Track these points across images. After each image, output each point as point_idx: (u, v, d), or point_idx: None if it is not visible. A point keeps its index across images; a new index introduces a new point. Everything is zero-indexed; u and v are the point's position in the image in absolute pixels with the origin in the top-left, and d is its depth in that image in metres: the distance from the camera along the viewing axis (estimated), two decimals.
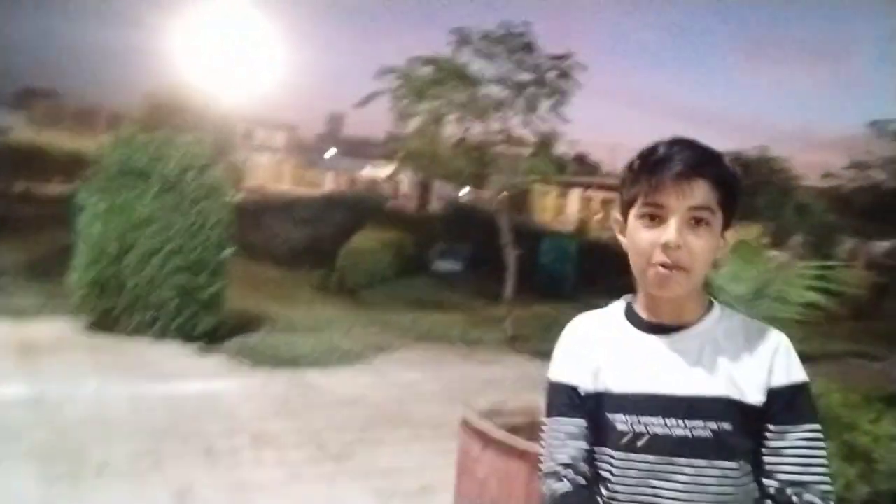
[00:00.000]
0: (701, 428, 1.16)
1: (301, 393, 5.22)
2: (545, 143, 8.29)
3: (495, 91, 7.71)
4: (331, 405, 5.00)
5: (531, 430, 3.08)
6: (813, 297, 3.29)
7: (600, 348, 1.27)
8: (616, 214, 1.28)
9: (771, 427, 1.16)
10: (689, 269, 1.15)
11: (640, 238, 1.18)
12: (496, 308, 8.02)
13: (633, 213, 1.21)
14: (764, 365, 1.18)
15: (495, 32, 7.57)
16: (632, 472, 1.20)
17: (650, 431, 1.19)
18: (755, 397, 1.16)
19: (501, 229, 7.88)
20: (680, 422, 1.17)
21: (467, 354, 6.90)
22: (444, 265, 11.88)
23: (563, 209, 29.30)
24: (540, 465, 1.30)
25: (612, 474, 1.21)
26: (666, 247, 1.14)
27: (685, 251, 1.14)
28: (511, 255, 7.82)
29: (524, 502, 2.53)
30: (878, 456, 3.67)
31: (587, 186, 28.97)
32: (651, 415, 1.19)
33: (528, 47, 7.65)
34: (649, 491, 1.18)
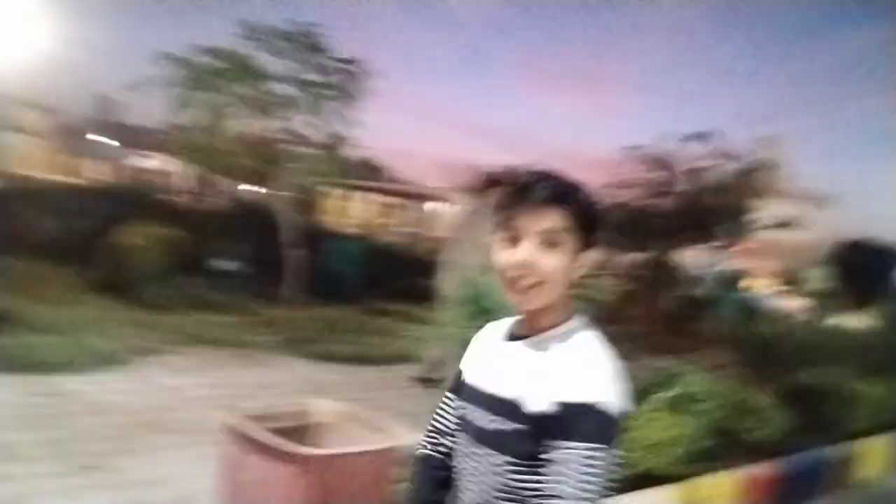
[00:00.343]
0: (498, 423, 1.30)
1: (46, 400, 4.70)
2: (331, 144, 8.24)
3: (281, 88, 7.54)
4: (82, 413, 4.57)
5: (301, 433, 3.05)
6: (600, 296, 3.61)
7: (480, 346, 1.49)
8: (494, 236, 1.40)
9: (550, 440, 1.22)
10: (541, 285, 1.28)
11: (498, 257, 1.32)
12: (275, 310, 7.83)
13: (496, 235, 1.35)
14: (560, 378, 1.24)
15: (283, 28, 7.41)
16: (458, 452, 1.43)
17: (468, 418, 1.40)
18: (540, 406, 1.23)
19: (283, 229, 7.71)
20: (485, 414, 1.34)
21: (241, 357, 6.65)
22: (222, 264, 11.37)
23: (347, 212, 29.39)
24: None
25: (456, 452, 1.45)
26: (518, 265, 1.28)
27: (538, 269, 1.27)
28: (292, 256, 7.67)
29: None
30: None
31: (372, 191, 29.34)
32: (472, 404, 1.40)
33: (317, 47, 7.57)
34: (463, 469, 1.40)
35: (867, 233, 16.38)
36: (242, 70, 7.20)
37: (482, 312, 3.58)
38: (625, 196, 16.03)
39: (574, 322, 1.35)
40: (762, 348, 6.37)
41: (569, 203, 1.30)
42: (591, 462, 1.17)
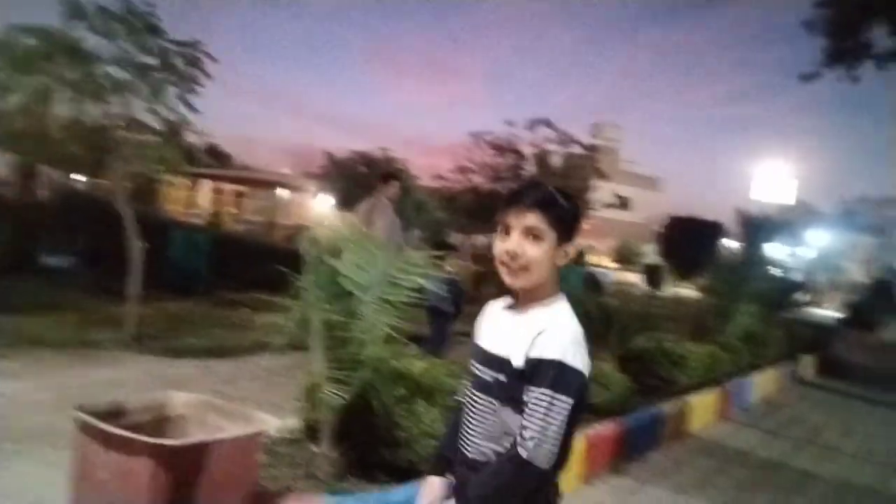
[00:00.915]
0: (489, 375, 1.73)
1: None
2: (173, 131, 7.84)
3: (114, 72, 7.07)
4: None
5: (157, 426, 2.97)
6: (420, 282, 3.74)
7: (484, 316, 1.91)
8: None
9: (527, 386, 1.62)
10: (527, 269, 1.69)
11: (496, 246, 1.74)
12: (119, 306, 7.39)
13: (497, 229, 1.75)
14: (532, 340, 1.64)
15: (114, 9, 6.94)
16: (465, 398, 1.82)
17: (472, 372, 1.81)
18: (518, 362, 1.65)
19: (124, 221, 7.28)
20: (483, 368, 1.76)
21: (86, 358, 6.25)
22: (55, 260, 10.56)
23: (194, 201, 28.08)
24: None
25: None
26: (507, 252, 1.70)
27: (523, 256, 1.68)
28: (135, 249, 7.27)
29: (147, 500, 2.44)
30: None
31: (220, 179, 28.21)
32: (476, 361, 1.81)
33: (153, 29, 7.15)
34: (467, 410, 1.79)
35: (692, 211, 17.69)
36: (70, 53, 6.68)
37: (341, 294, 3.63)
38: (473, 181, 16.61)
39: (553, 300, 1.75)
40: (604, 318, 6.85)
41: (548, 207, 1.69)
42: (553, 404, 1.56)
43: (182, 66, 7.36)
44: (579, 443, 5.03)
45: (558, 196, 1.72)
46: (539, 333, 1.64)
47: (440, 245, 11.15)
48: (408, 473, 3.72)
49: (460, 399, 1.91)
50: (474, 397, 1.77)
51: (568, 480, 4.85)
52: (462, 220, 17.82)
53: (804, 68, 10.66)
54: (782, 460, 6.59)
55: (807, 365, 12.25)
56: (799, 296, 17.71)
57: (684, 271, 13.11)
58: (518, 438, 1.59)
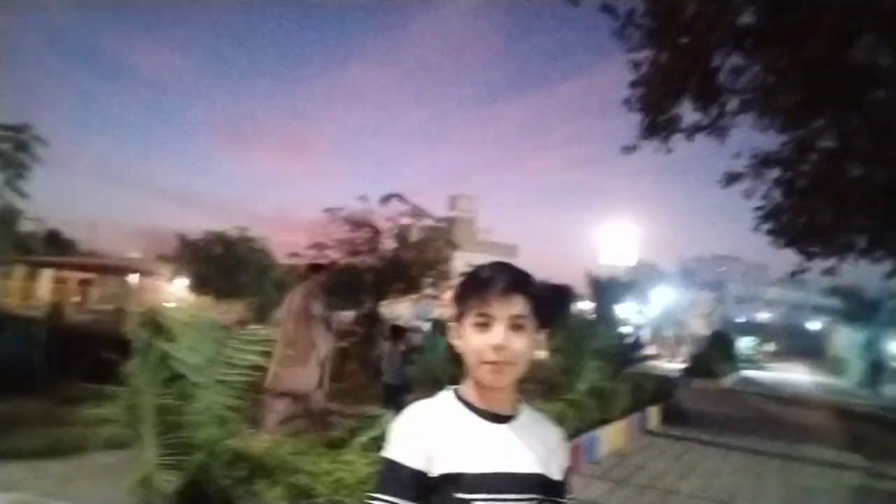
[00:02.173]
0: (528, 499, 1.49)
1: None
2: (3, 219, 7.48)
3: None
4: None
5: None
6: (255, 359, 3.80)
7: (446, 433, 1.49)
8: (452, 322, 1.58)
9: (559, 499, 1.58)
10: (514, 364, 1.49)
11: (473, 342, 1.49)
12: None
13: (466, 322, 1.51)
14: (559, 450, 1.60)
15: None
16: None
17: None
18: (558, 475, 1.57)
19: None
20: (521, 495, 1.48)
21: None
22: None
23: (32, 292, 26.12)
24: None
25: None
26: (496, 348, 1.47)
27: (510, 350, 1.47)
28: None
29: None
30: (317, 491, 4.31)
31: (62, 267, 26.48)
32: (503, 491, 1.46)
33: None
34: None
35: (546, 276, 18.56)
36: None
37: (172, 378, 3.61)
38: (330, 256, 16.67)
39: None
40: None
41: (528, 290, 1.52)
42: None
43: (10, 152, 7.11)
44: None
45: (530, 276, 1.57)
46: (559, 440, 1.64)
47: (394, 329, 11.17)
48: None
49: None
50: None
51: None
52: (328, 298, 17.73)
53: (627, 141, 11.74)
54: None
55: (652, 415, 13.04)
56: (644, 350, 18.93)
57: (539, 328, 13.71)
58: None
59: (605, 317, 17.37)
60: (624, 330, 17.08)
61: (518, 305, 1.49)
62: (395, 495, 1.43)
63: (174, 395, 3.57)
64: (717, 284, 74.91)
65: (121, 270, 25.74)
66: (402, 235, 17.58)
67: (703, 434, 12.63)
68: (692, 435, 12.46)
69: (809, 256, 13.05)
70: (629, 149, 11.79)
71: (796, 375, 41.05)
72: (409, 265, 17.71)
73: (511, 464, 1.50)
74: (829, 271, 13.54)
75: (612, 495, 7.42)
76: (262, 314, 21.12)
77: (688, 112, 11.60)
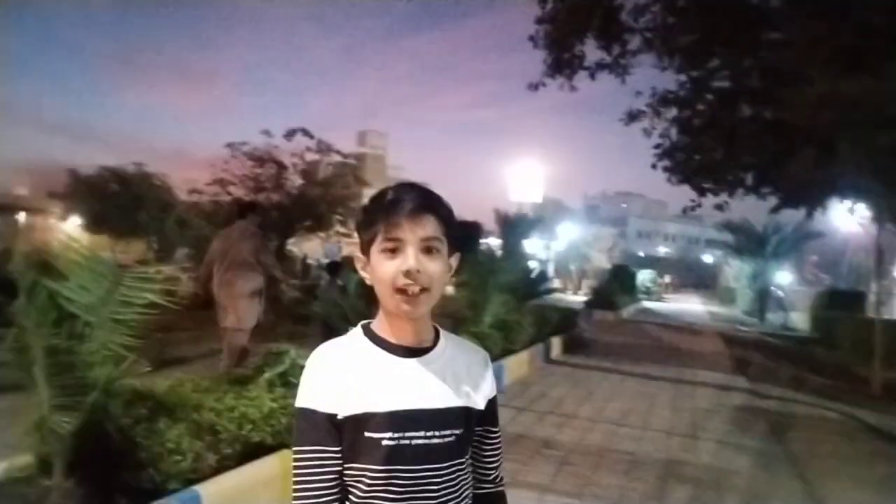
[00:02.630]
0: (448, 435, 1.41)
1: None
2: None
3: None
4: None
5: None
6: (152, 297, 3.71)
7: (355, 373, 1.39)
8: (357, 253, 1.46)
9: (479, 430, 1.53)
10: (429, 289, 1.37)
11: (383, 269, 1.37)
12: None
13: (374, 249, 1.39)
14: (484, 378, 1.52)
15: None
16: (396, 483, 1.36)
17: (413, 443, 1.37)
18: (481, 405, 1.50)
19: None
20: (436, 432, 1.39)
21: None
22: None
23: None
24: (295, 494, 1.38)
25: (376, 489, 1.36)
26: (408, 273, 1.34)
27: (424, 275, 1.35)
28: None
29: None
30: (221, 427, 4.32)
31: None
32: (414, 429, 1.37)
33: None
34: (414, 498, 1.36)
35: (456, 213, 18.84)
36: None
37: (63, 318, 3.49)
38: (232, 192, 16.24)
39: (437, 327, 1.53)
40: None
41: (438, 210, 1.40)
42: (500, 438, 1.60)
43: None
44: None
45: (440, 197, 1.45)
46: (483, 366, 1.55)
47: (332, 265, 10.96)
48: (154, 494, 3.67)
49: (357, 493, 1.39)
50: (433, 473, 1.39)
51: None
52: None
53: (533, 78, 11.87)
54: (527, 432, 7.33)
55: (555, 346, 13.61)
56: (549, 284, 19.58)
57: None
58: (490, 484, 1.59)
59: (512, 252, 17.75)
60: (530, 264, 17.55)
61: (429, 226, 1.37)
62: (315, 443, 1.37)
63: (65, 335, 3.45)
64: (619, 220, 77.80)
65: (6, 208, 24.23)
66: (308, 171, 17.27)
67: (602, 362, 13.30)
68: (592, 363, 13.10)
69: (703, 193, 13.72)
70: (535, 86, 11.92)
71: (691, 306, 43.58)
72: (316, 202, 17.47)
73: (424, 400, 1.40)
74: (720, 207, 14.31)
75: (514, 421, 7.77)
76: (164, 253, 20.43)
77: (591, 50, 11.79)
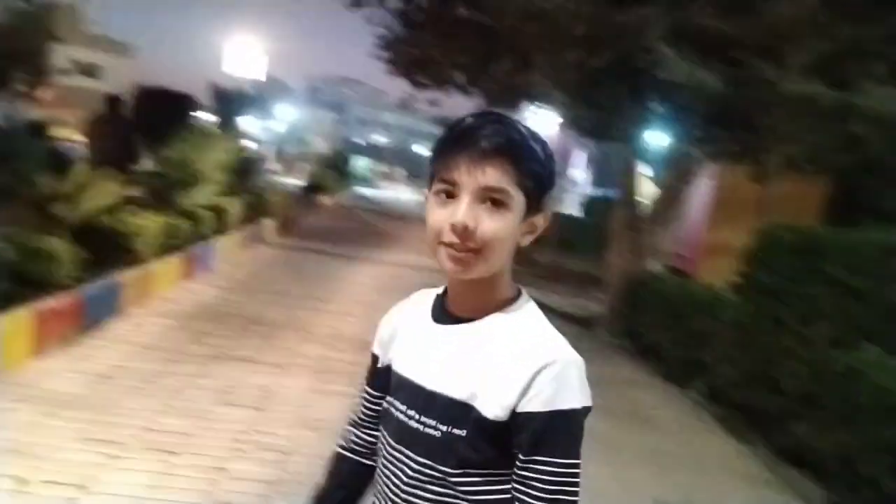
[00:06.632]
0: (430, 426, 1.12)
1: None
2: None
3: None
4: None
5: None
6: None
7: (400, 326, 1.28)
8: (425, 190, 1.17)
9: (519, 454, 1.06)
10: (483, 253, 1.06)
11: (432, 216, 1.10)
12: None
13: (432, 188, 1.12)
14: (520, 382, 1.04)
15: None
16: (380, 453, 1.23)
17: (395, 416, 1.19)
18: (493, 412, 1.06)
19: None
20: (414, 413, 1.15)
21: None
22: None
23: None
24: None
25: (379, 446, 1.26)
26: (454, 226, 1.05)
27: (475, 233, 1.05)
28: None
29: None
30: None
31: None
32: (399, 400, 1.19)
33: None
34: (385, 472, 1.19)
35: (166, 82, 17.39)
36: None
37: None
38: None
39: (517, 302, 1.17)
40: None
41: (516, 155, 1.07)
42: (570, 477, 1.04)
43: None
44: (26, 319, 4.94)
45: (529, 137, 1.10)
46: (531, 374, 1.04)
47: None
48: None
49: (347, 447, 1.38)
50: (403, 459, 1.16)
51: (15, 357, 4.77)
52: None
53: None
54: (237, 311, 7.49)
55: (269, 227, 13.69)
56: (266, 165, 19.32)
57: (153, 142, 12.94)
58: None
59: (227, 129, 17.06)
60: (247, 144, 17.11)
61: (496, 174, 1.05)
62: (366, 384, 1.35)
63: None
64: (340, 106, 77.81)
65: None
66: None
67: (314, 244, 13.75)
68: (303, 245, 13.48)
69: (418, 87, 14.37)
70: None
71: (402, 194, 46.06)
72: None
73: (417, 372, 1.18)
74: (433, 102, 15.15)
75: (226, 301, 7.87)
76: None
77: None
